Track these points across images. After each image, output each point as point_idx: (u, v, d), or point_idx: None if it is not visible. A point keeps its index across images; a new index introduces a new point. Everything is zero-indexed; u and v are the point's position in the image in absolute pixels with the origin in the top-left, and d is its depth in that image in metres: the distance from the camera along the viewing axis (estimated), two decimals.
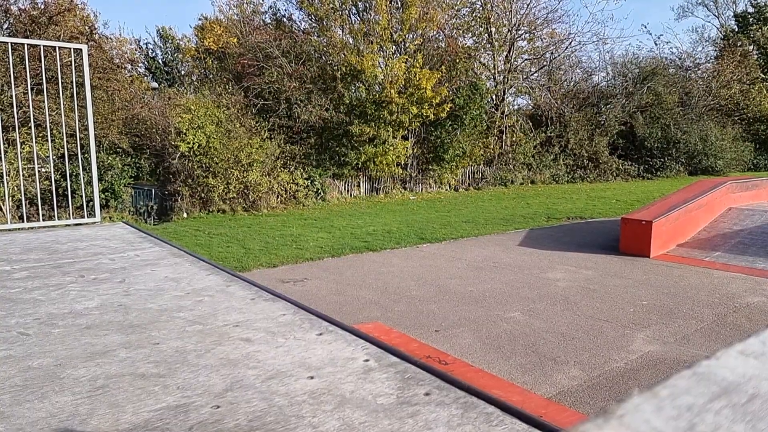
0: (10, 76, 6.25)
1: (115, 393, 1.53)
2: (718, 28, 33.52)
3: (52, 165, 5.36)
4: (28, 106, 9.00)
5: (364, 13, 17.35)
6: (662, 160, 23.83)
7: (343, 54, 16.13)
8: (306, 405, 1.45)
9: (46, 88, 5.84)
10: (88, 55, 5.18)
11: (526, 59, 22.81)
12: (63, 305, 2.34)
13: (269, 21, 20.08)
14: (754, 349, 0.48)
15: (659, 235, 8.61)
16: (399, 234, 10.64)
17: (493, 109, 21.17)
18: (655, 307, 6.17)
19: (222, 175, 13.63)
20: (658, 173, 23.63)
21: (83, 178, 5.22)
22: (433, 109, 16.59)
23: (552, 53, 23.04)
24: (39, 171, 10.17)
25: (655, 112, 24.05)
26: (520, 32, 21.94)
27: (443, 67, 17.70)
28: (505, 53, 21.77)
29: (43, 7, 13.25)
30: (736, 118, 26.78)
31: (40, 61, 4.62)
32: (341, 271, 7.87)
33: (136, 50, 21.70)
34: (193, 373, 1.66)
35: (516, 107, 22.89)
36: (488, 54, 21.96)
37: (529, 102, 23.60)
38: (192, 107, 13.68)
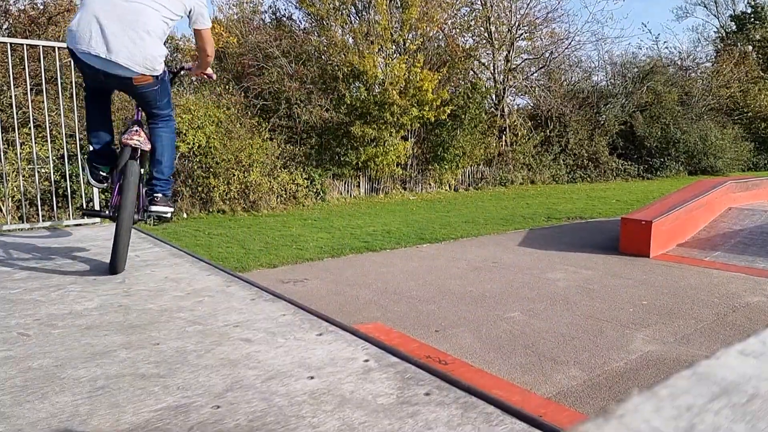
0: (9, 76, 6.25)
1: (116, 393, 1.53)
2: (717, 29, 33.54)
3: (51, 165, 5.36)
4: (28, 106, 8.99)
5: (364, 13, 17.35)
6: (662, 159, 23.83)
7: (343, 54, 16.12)
8: (306, 405, 1.45)
9: (46, 88, 5.84)
10: None
11: (526, 59, 22.80)
12: (63, 306, 2.34)
13: (269, 21, 20.08)
14: (754, 348, 0.48)
15: (659, 234, 8.61)
16: (399, 234, 10.64)
17: (493, 109, 21.16)
18: (655, 306, 6.17)
19: (222, 175, 13.63)
20: (658, 173, 23.63)
21: (83, 178, 5.23)
22: (433, 111, 16.59)
23: (552, 53, 23.04)
24: (39, 171, 10.16)
25: (655, 112, 24.05)
26: (519, 32, 21.94)
27: (444, 68, 17.70)
28: (504, 53, 21.77)
29: (42, 7, 13.25)
30: (735, 118, 26.79)
31: (40, 62, 4.63)
32: (341, 272, 7.87)
33: None
34: (193, 374, 1.66)
35: (516, 107, 22.88)
36: (488, 53, 21.96)
37: (529, 102, 23.60)
38: (192, 107, 13.67)
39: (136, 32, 2.45)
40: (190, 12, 2.80)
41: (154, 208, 2.95)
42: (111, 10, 2.43)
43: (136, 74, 2.51)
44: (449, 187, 19.20)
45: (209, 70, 3.29)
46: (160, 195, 2.96)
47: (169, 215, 3.05)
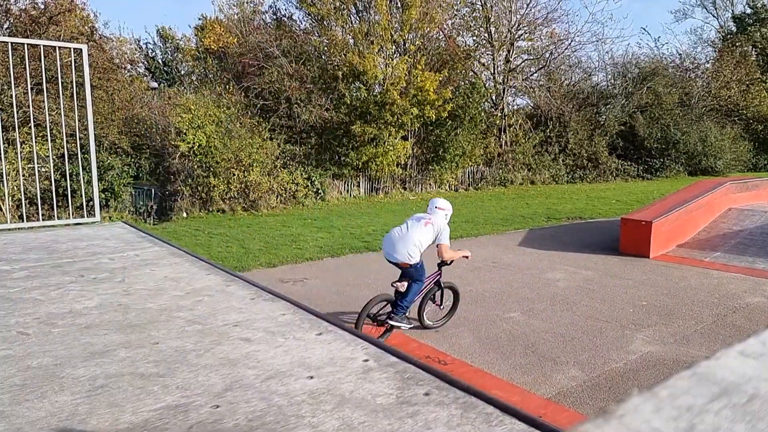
0: (10, 76, 6.25)
1: (115, 392, 1.53)
2: (717, 29, 33.55)
3: (51, 165, 5.36)
4: (28, 106, 8.99)
5: (364, 13, 17.35)
6: (662, 160, 23.83)
7: (344, 54, 16.13)
8: (305, 405, 1.45)
9: (46, 88, 5.83)
10: (88, 55, 5.18)
11: (525, 59, 22.81)
12: (62, 305, 2.34)
13: (269, 21, 20.10)
14: (753, 349, 0.48)
15: (659, 235, 8.61)
16: None
17: (493, 109, 21.16)
18: (655, 307, 6.17)
19: (222, 174, 13.63)
20: (658, 173, 23.64)
21: (83, 177, 5.22)
22: (434, 110, 16.60)
23: (551, 53, 23.04)
24: (39, 171, 10.16)
25: (655, 113, 24.05)
26: (519, 32, 21.94)
27: (445, 69, 17.70)
28: (504, 53, 21.77)
29: (43, 7, 13.26)
30: (735, 119, 26.80)
31: (41, 61, 4.62)
32: (341, 271, 7.87)
33: (135, 50, 21.72)
34: (192, 373, 1.66)
35: (516, 107, 22.90)
36: (488, 54, 21.96)
37: (529, 102, 23.61)
38: (192, 107, 13.68)
39: (404, 244, 4.98)
40: (436, 236, 5.08)
41: (390, 321, 5.11)
42: (398, 235, 5.07)
43: (403, 261, 4.99)
44: (449, 186, 19.20)
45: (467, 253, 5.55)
46: (393, 315, 5.11)
47: (401, 326, 5.20)
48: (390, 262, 5.15)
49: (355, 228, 11.40)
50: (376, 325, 5.14)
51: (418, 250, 5.00)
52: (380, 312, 5.18)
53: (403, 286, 5.13)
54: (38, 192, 5.20)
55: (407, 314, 5.21)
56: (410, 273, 5.07)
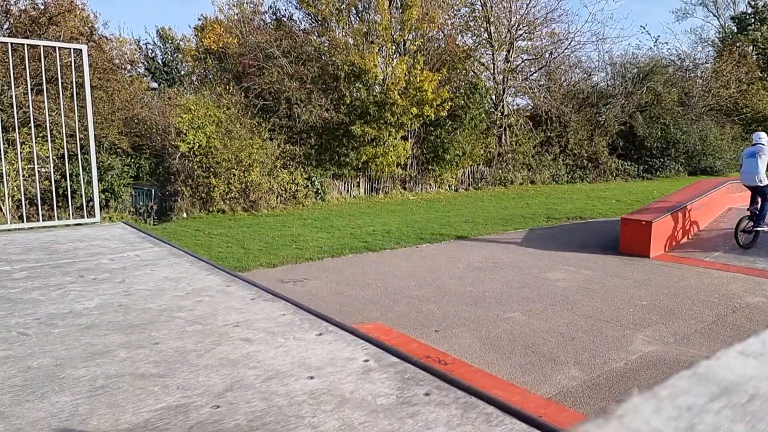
0: (10, 76, 6.24)
1: (115, 393, 1.53)
2: (717, 29, 33.54)
3: (51, 165, 5.36)
4: (28, 106, 9.00)
5: (364, 13, 17.35)
6: (662, 160, 23.81)
7: (345, 54, 16.12)
8: (306, 405, 1.45)
9: (46, 88, 5.83)
10: (88, 55, 5.18)
11: (525, 59, 22.79)
12: (63, 305, 2.34)
13: (269, 21, 20.08)
14: (753, 349, 0.48)
15: (659, 235, 8.61)
16: (399, 234, 10.64)
17: (493, 109, 21.15)
18: (655, 307, 6.17)
19: (223, 175, 13.63)
20: (658, 173, 23.63)
21: (83, 178, 5.23)
22: (433, 109, 16.59)
23: (551, 53, 23.02)
24: (39, 171, 10.16)
25: (655, 112, 24.03)
26: (519, 32, 21.93)
27: (444, 69, 17.69)
28: (504, 53, 21.76)
29: (43, 7, 13.26)
30: (735, 118, 26.79)
31: (40, 62, 4.63)
32: (341, 271, 7.87)
33: (135, 50, 21.71)
34: (193, 373, 1.66)
35: (515, 107, 22.86)
36: (488, 54, 21.95)
37: (529, 102, 23.57)
38: (192, 107, 13.68)
39: (754, 174, 8.11)
40: None
41: (757, 228, 8.27)
42: (747, 170, 8.29)
43: (755, 185, 8.16)
44: (449, 187, 19.20)
45: None
46: (757, 224, 8.24)
47: (764, 229, 8.31)
48: (747, 186, 8.24)
49: (355, 228, 11.40)
50: (747, 233, 8.39)
51: (763, 175, 7.92)
52: (746, 226, 8.32)
53: (755, 208, 8.23)
54: (38, 192, 5.20)
55: (765, 222, 8.25)
56: (761, 191, 8.10)
